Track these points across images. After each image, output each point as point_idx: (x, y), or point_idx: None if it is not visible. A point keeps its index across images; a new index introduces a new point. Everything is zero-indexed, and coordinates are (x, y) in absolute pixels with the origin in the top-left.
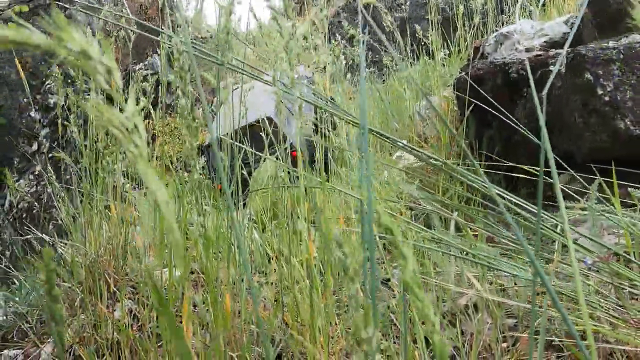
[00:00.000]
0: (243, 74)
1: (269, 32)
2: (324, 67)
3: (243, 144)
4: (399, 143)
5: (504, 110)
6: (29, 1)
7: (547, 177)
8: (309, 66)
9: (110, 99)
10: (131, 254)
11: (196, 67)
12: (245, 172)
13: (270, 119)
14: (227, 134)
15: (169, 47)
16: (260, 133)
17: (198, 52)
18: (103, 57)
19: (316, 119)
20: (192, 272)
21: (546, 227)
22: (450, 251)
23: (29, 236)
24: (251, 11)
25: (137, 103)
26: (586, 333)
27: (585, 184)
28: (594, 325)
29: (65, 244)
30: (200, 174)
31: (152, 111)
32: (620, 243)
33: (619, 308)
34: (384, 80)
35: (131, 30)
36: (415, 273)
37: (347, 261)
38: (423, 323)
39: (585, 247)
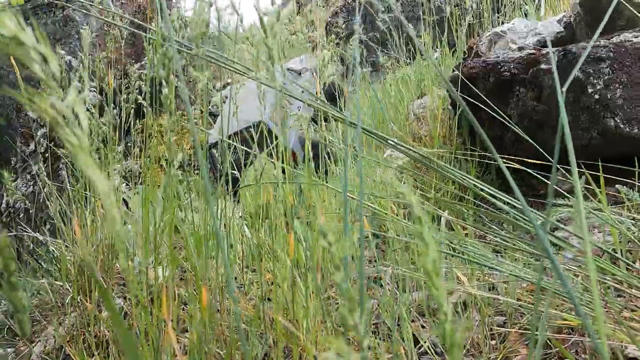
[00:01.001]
0: (226, 67)
1: (247, 33)
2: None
3: (235, 148)
4: (389, 141)
5: (497, 109)
6: (27, 1)
7: (538, 175)
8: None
9: (101, 93)
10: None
11: (177, 57)
12: (236, 173)
13: (263, 123)
14: (221, 138)
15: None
16: (253, 137)
17: (179, 44)
18: (38, 44)
19: (315, 115)
20: (184, 271)
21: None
22: (440, 248)
23: (23, 236)
24: (233, 7)
25: (80, 93)
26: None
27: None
28: (577, 319)
29: (58, 243)
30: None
31: (146, 110)
32: (608, 240)
33: (603, 303)
34: (379, 81)
35: (126, 29)
36: (435, 262)
37: (332, 249)
38: (412, 321)
39: (570, 243)
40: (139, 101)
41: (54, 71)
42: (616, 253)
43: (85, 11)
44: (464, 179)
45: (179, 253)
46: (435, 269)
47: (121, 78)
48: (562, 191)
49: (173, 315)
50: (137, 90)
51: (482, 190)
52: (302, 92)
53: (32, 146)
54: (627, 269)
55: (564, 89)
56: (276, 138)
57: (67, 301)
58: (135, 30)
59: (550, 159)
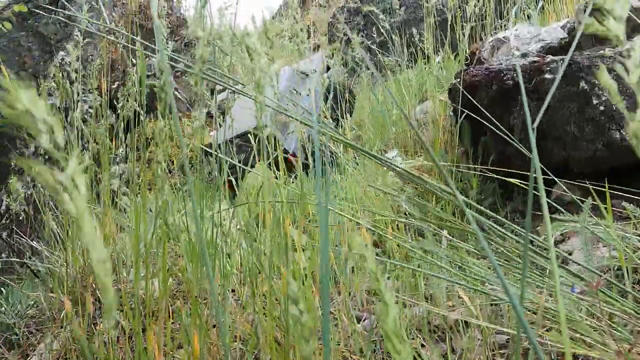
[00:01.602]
0: (222, 85)
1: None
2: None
3: (231, 155)
4: (385, 160)
5: (499, 118)
6: (28, 1)
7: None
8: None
9: (101, 94)
10: (121, 265)
11: (170, 84)
12: (232, 179)
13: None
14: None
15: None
16: (249, 143)
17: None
18: (46, 116)
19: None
20: (179, 283)
21: (533, 249)
22: (441, 264)
23: (21, 243)
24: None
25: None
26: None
27: (575, 198)
28: (584, 349)
29: (53, 254)
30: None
31: (142, 116)
32: (613, 256)
33: (610, 331)
34: (381, 83)
35: (120, 43)
36: (396, 322)
37: (302, 318)
38: (412, 338)
39: (573, 272)
40: (135, 108)
41: (59, 142)
42: (621, 271)
43: (77, 25)
44: (462, 194)
45: (175, 263)
46: (396, 331)
47: (121, 79)
48: (561, 208)
49: (167, 332)
50: (134, 98)
51: (477, 210)
52: (307, 94)
53: (32, 148)
54: (635, 300)
55: (535, 125)
56: (275, 143)
57: (62, 315)
58: (125, 44)
59: (557, 170)
